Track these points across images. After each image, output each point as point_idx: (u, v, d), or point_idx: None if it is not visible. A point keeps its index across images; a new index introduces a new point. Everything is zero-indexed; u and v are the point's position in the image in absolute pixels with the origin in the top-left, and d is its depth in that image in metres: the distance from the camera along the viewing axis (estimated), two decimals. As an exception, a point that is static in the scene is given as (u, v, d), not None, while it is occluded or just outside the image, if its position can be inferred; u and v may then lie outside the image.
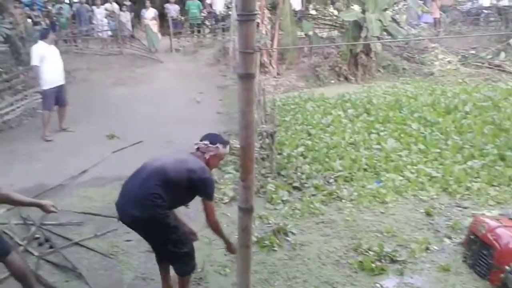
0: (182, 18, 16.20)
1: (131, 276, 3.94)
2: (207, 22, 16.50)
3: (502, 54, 14.28)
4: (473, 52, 14.67)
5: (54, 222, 4.79)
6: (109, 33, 15.19)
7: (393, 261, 4.02)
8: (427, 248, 4.23)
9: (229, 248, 3.47)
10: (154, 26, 14.80)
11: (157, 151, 6.95)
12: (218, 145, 3.33)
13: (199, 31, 16.08)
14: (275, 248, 4.28)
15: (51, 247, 4.36)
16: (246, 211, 2.60)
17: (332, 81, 12.64)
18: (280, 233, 4.49)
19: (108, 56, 13.99)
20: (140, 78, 12.16)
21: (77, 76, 11.70)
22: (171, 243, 3.13)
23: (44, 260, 4.13)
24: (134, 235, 4.52)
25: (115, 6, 15.85)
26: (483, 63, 13.83)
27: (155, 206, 3.01)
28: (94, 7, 15.94)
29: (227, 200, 5.24)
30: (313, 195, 5.45)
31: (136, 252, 4.29)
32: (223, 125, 8.26)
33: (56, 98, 8.04)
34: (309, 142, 7.14)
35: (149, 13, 14.94)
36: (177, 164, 3.15)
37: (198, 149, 3.31)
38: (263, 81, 9.76)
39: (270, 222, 4.76)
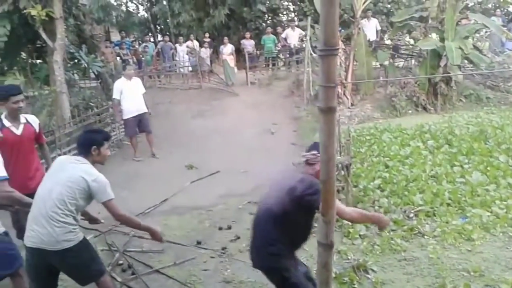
0: (258, 52, 16.71)
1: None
2: (281, 56, 16.86)
3: None
4: None
5: (136, 249, 5.04)
6: (190, 68, 16.04)
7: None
8: (520, 291, 3.89)
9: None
10: (231, 61, 15.39)
11: (233, 181, 7.27)
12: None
13: (274, 64, 16.46)
14: (355, 286, 4.15)
15: (133, 273, 4.56)
16: (327, 246, 2.54)
17: (410, 112, 12.27)
18: (360, 269, 4.36)
19: (189, 90, 14.73)
20: (217, 110, 12.63)
21: (160, 109, 12.42)
22: None
23: (126, 286, 4.34)
24: (210, 265, 4.66)
25: (196, 43, 16.77)
26: None
27: (271, 255, 2.90)
28: (177, 44, 17.00)
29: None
30: (393, 230, 5.24)
31: (212, 282, 4.36)
32: (298, 155, 8.25)
33: (139, 125, 8.73)
34: (387, 175, 6.92)
35: (227, 49, 15.60)
36: (277, 192, 2.96)
37: (306, 161, 3.11)
38: (338, 112, 9.71)
39: (349, 257, 4.64)
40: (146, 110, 8.90)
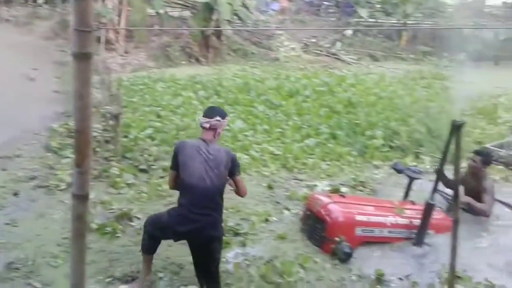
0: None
1: None
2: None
3: (338, 44, 15.86)
4: (314, 40, 15.96)
5: None
6: None
7: (236, 234, 4.18)
8: (267, 220, 4.53)
9: None
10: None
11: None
12: (227, 118, 3.34)
13: (34, 1, 14.34)
14: (119, 235, 4.09)
15: None
16: (81, 198, 2.42)
17: (183, 62, 12.54)
18: (124, 218, 4.30)
19: None
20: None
21: None
22: None
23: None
24: None
25: None
26: (321, 51, 15.17)
27: (219, 225, 3.26)
28: None
29: (64, 187, 4.81)
30: (162, 177, 5.35)
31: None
32: (61, 105, 7.50)
33: None
34: (158, 124, 6.98)
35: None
36: (214, 169, 3.19)
37: (209, 127, 3.21)
38: (108, 59, 9.18)
39: (114, 207, 4.52)
40: None
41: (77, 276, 2.59)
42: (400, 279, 3.71)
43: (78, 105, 2.19)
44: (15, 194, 4.68)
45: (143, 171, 5.49)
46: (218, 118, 3.21)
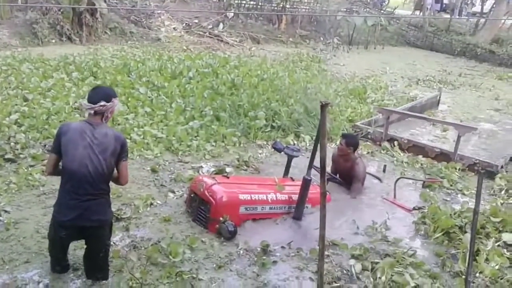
0: None
1: None
2: None
3: (221, 25, 15.88)
4: (196, 21, 15.76)
5: None
6: None
7: (118, 219, 4.03)
8: (152, 203, 4.44)
9: None
10: None
11: None
12: (114, 99, 3.01)
13: None
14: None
15: None
16: None
17: (53, 41, 11.50)
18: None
19: None
20: None
21: None
22: None
23: None
24: None
25: None
26: (204, 33, 15.05)
27: (108, 208, 3.14)
28: None
29: None
30: (32, 166, 4.91)
31: None
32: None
33: None
34: (26, 108, 6.35)
35: None
36: (99, 154, 2.98)
37: (95, 112, 2.94)
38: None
39: (-27, 203, 4.04)
40: None
41: None
42: (283, 247, 3.93)
43: None
44: None
45: (9, 160, 4.97)
46: (102, 102, 2.93)
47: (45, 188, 4.49)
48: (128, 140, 5.76)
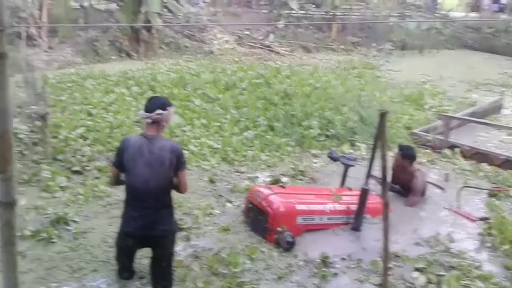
0: None
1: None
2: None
3: (271, 36, 16.01)
4: (247, 33, 15.99)
5: None
6: None
7: (180, 229, 4.11)
8: (210, 213, 4.52)
9: None
10: None
11: None
12: (169, 108, 3.08)
13: None
14: (54, 240, 3.88)
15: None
16: (8, 205, 2.30)
17: (113, 57, 12.05)
18: (60, 223, 4.10)
19: None
20: None
21: None
22: None
23: None
24: None
25: None
26: (255, 44, 15.23)
27: (172, 219, 3.33)
28: None
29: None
30: (97, 178, 5.15)
31: None
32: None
33: None
34: (90, 123, 6.69)
35: None
36: (157, 168, 3.10)
37: (152, 122, 3.03)
38: (31, 56, 8.63)
39: (49, 212, 4.28)
40: None
41: (10, 286, 2.46)
42: (343, 259, 3.86)
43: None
44: None
45: (77, 172, 5.24)
46: (159, 111, 3.02)
47: (111, 199, 4.69)
48: (186, 151, 5.95)
